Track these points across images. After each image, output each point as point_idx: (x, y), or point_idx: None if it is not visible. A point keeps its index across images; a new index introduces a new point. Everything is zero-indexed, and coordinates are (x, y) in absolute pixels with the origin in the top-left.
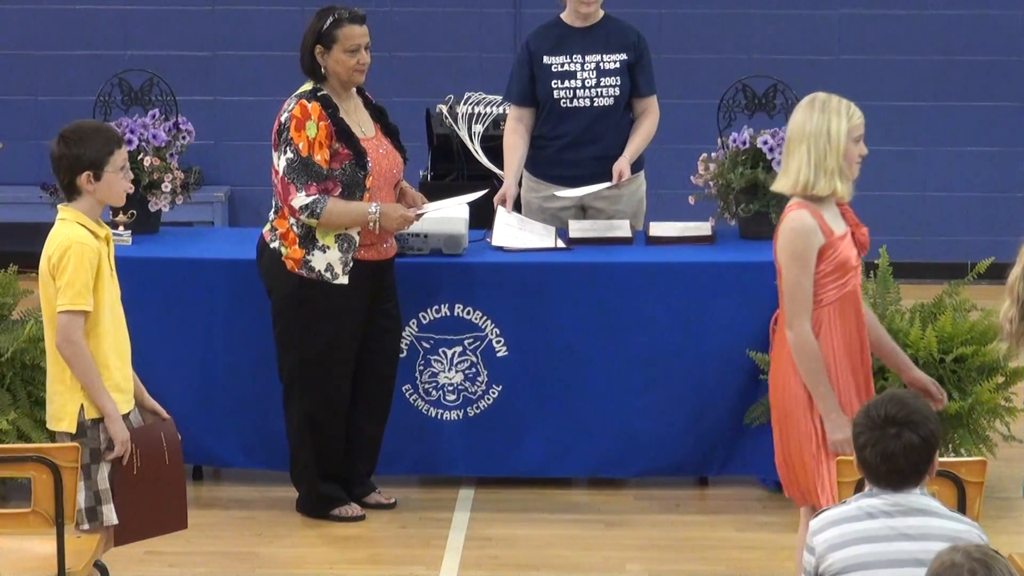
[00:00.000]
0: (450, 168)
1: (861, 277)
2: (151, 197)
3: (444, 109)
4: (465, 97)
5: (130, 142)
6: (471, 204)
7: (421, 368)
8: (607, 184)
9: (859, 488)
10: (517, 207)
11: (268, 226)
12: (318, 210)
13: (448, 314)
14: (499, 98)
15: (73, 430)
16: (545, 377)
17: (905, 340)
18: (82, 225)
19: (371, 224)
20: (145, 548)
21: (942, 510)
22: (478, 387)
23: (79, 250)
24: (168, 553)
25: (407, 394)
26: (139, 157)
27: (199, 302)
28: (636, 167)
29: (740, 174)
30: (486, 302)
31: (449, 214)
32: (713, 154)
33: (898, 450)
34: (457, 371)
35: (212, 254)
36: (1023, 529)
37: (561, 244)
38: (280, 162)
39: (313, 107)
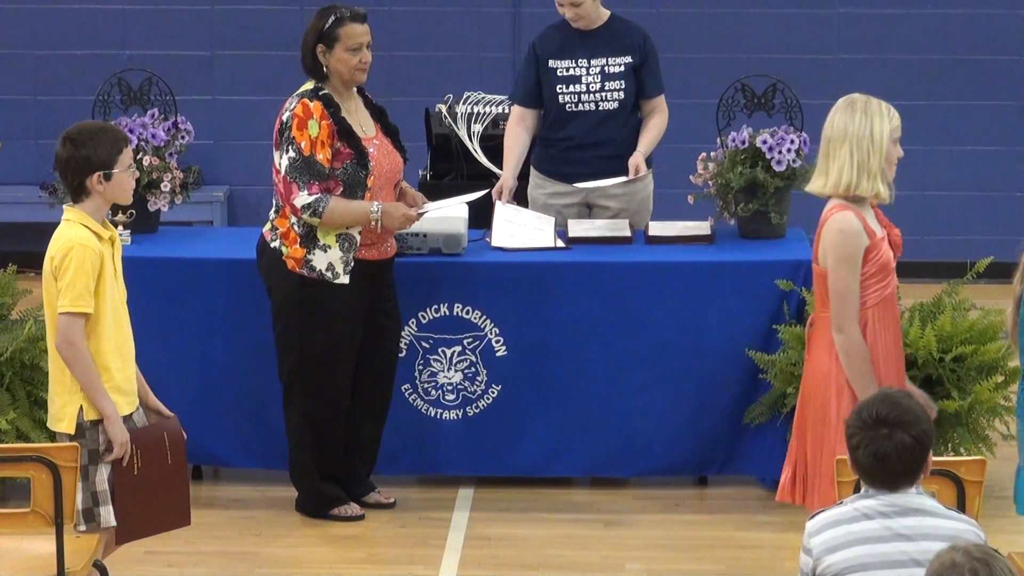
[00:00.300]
0: (449, 168)
1: None
2: (150, 197)
3: (443, 109)
4: (464, 97)
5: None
6: (470, 203)
7: (420, 368)
8: (624, 178)
9: (857, 488)
10: (519, 203)
11: (268, 225)
12: (320, 209)
13: (447, 314)
14: (498, 98)
15: (72, 431)
16: (544, 377)
17: (905, 339)
18: (86, 226)
19: (373, 223)
20: (145, 548)
21: (939, 509)
22: (477, 387)
23: (81, 252)
24: (167, 553)
25: (406, 394)
26: (138, 157)
27: (198, 302)
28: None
29: (739, 173)
30: (485, 302)
31: (448, 213)
32: (712, 153)
33: (890, 450)
34: (456, 371)
35: (211, 254)
36: (1022, 528)
37: (560, 244)
38: (282, 161)
39: (315, 106)
